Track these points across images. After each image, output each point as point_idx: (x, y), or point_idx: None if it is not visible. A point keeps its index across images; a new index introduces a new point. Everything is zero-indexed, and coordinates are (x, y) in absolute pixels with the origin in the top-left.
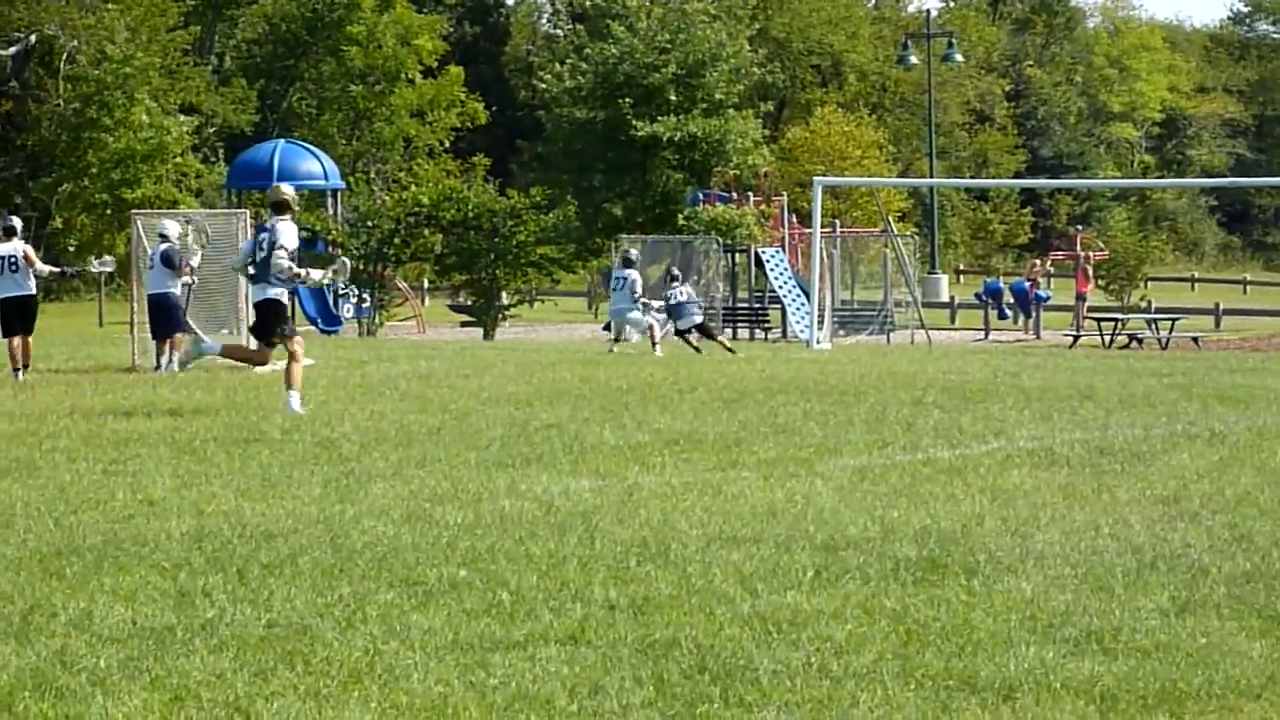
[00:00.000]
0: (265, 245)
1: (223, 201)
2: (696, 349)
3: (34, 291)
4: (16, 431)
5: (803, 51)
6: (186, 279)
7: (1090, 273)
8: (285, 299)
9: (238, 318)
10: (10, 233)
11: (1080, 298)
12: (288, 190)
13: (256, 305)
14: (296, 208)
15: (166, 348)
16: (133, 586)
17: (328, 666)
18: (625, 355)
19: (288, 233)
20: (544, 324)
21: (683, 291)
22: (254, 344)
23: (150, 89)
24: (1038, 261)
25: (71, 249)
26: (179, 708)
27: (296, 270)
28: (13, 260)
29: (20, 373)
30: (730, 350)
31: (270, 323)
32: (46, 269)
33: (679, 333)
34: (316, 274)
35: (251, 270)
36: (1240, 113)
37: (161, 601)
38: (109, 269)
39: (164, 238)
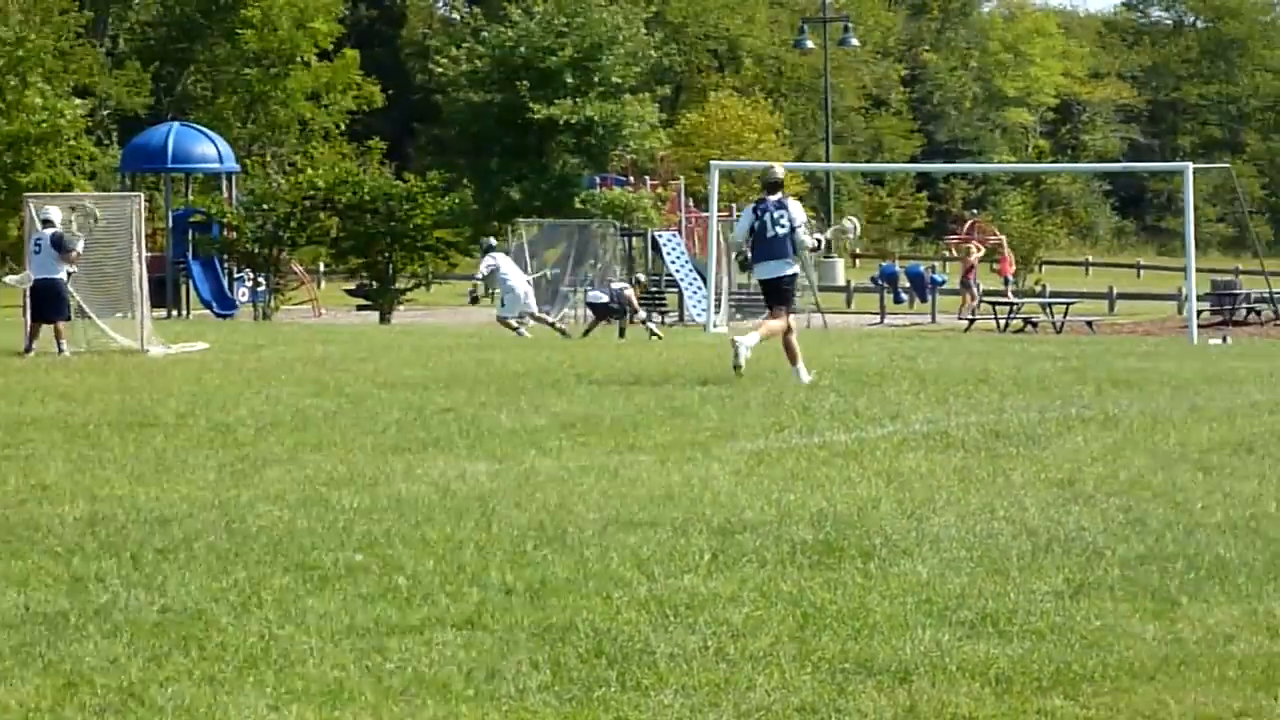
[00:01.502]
0: (774, 223)
1: (117, 185)
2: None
3: None
4: None
5: (699, 35)
6: (71, 266)
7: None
8: (799, 272)
9: (132, 301)
10: None
11: (1006, 280)
12: (781, 170)
13: (770, 281)
14: None
15: (56, 333)
16: (25, 572)
17: (223, 651)
18: (522, 340)
19: (798, 209)
20: (440, 308)
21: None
22: (777, 321)
23: (43, 71)
24: (971, 247)
25: None
26: (72, 694)
27: (813, 243)
28: None
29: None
30: (563, 333)
31: (788, 294)
32: None
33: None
34: (809, 239)
35: (748, 250)
36: (1134, 98)
37: (54, 587)
38: (26, 285)
39: (48, 223)
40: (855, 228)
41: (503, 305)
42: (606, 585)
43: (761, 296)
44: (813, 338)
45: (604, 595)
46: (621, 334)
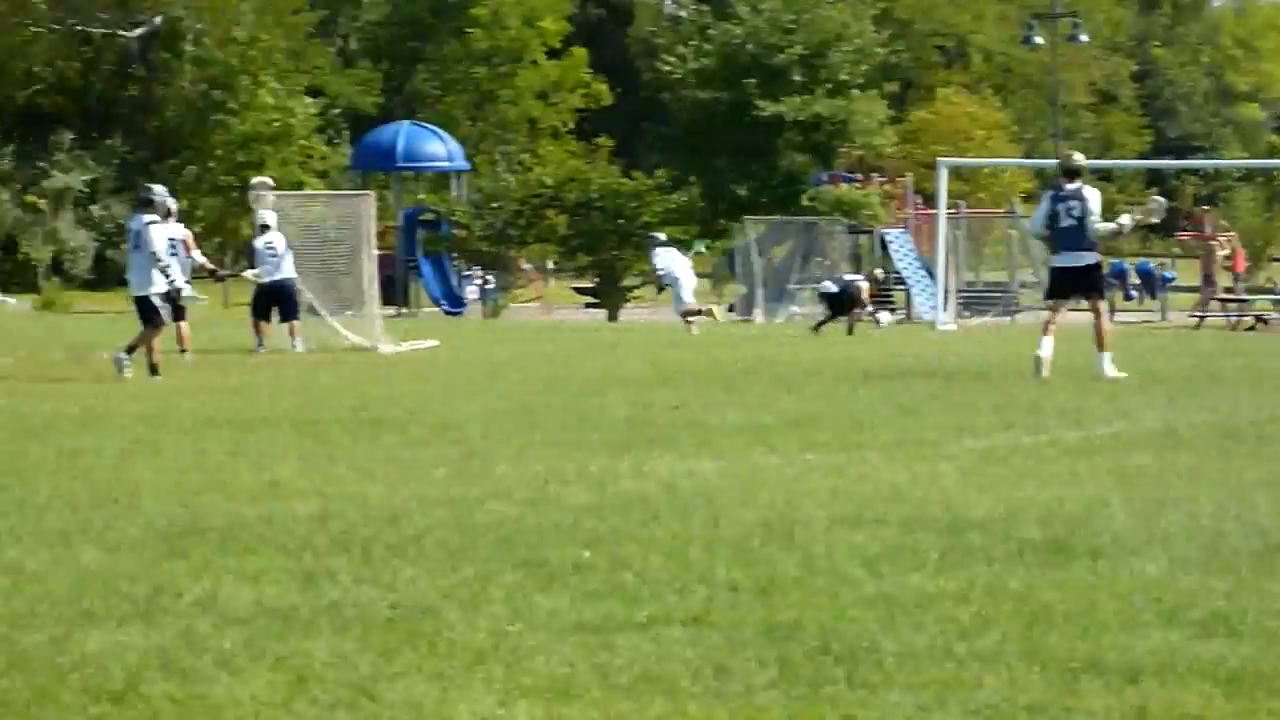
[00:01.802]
0: (1067, 212)
1: (347, 183)
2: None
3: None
4: (142, 412)
5: (927, 32)
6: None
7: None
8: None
9: (362, 299)
10: (145, 205)
11: (1236, 277)
12: (1080, 158)
13: (1072, 270)
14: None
15: (291, 331)
16: (257, 568)
17: (452, 648)
18: (751, 337)
19: (1094, 198)
20: (668, 305)
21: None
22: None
23: (275, 71)
24: (1216, 243)
25: (196, 232)
26: (303, 689)
27: (1114, 228)
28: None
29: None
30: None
31: (1096, 281)
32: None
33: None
34: (1102, 227)
35: (1047, 233)
36: None
37: (286, 583)
38: (264, 280)
39: (266, 228)
40: (1162, 206)
41: (679, 300)
42: (834, 583)
43: (989, 295)
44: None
45: (831, 593)
46: (850, 331)
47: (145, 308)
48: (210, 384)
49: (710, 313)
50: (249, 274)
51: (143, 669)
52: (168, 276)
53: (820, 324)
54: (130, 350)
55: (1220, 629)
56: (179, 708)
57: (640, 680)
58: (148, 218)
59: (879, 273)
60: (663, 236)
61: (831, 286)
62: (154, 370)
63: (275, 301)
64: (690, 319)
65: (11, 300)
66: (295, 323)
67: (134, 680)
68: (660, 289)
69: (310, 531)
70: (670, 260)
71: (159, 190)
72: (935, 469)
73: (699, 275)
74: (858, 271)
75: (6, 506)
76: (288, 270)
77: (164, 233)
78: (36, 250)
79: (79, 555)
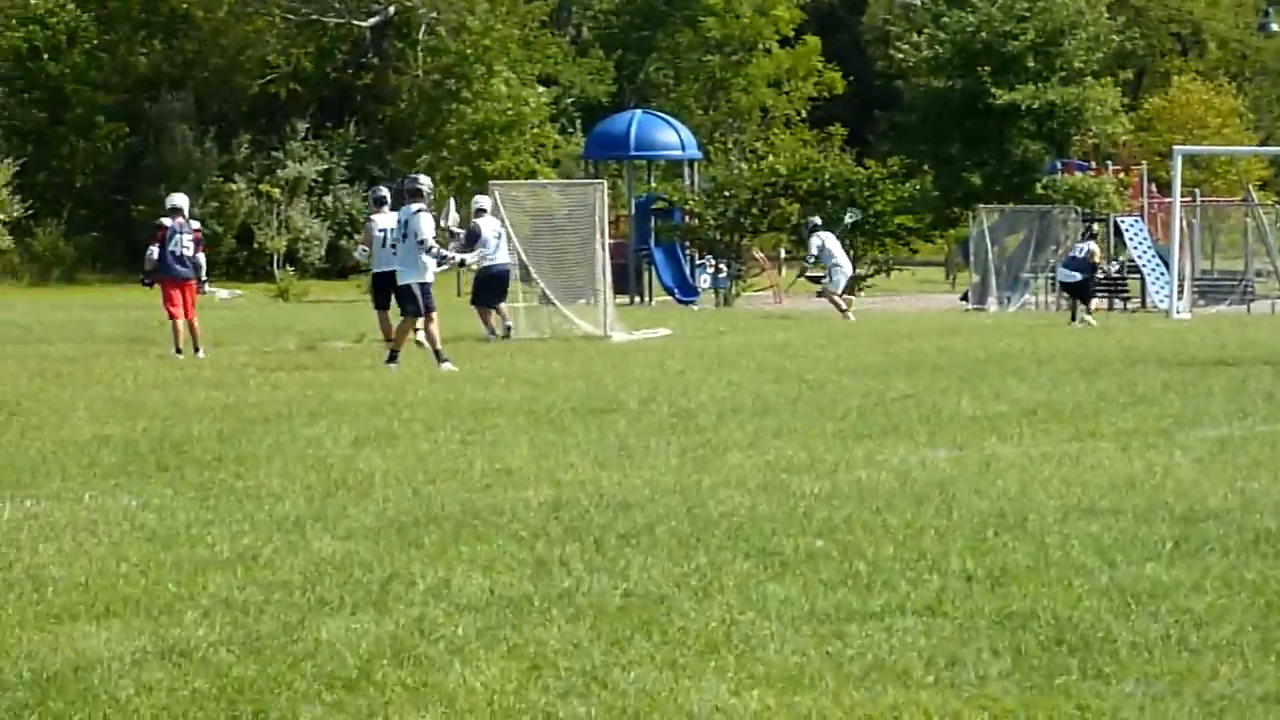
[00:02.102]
0: None
1: (580, 172)
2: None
3: None
4: (376, 401)
5: (1162, 19)
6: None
7: None
8: None
9: (595, 287)
10: (381, 203)
11: None
12: None
13: None
14: None
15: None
16: (490, 555)
17: (684, 636)
18: (983, 326)
19: None
20: (901, 294)
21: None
22: None
23: (508, 60)
24: None
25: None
26: (536, 676)
27: None
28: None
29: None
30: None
31: None
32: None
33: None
34: None
35: None
36: None
37: (519, 570)
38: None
39: (481, 211)
40: None
41: (830, 280)
42: (1067, 573)
43: (1223, 283)
44: (1279, 324)
45: (1065, 583)
46: (1073, 319)
47: (410, 295)
48: (440, 372)
49: (848, 308)
50: (470, 259)
51: (376, 656)
52: (442, 260)
53: (1072, 315)
54: (394, 352)
55: None
56: (412, 695)
57: (873, 669)
58: (416, 206)
59: (1095, 252)
60: (818, 220)
61: (1074, 275)
62: (393, 357)
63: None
64: (842, 307)
65: (223, 292)
66: (504, 307)
67: (367, 668)
68: (801, 275)
69: (543, 519)
70: (828, 244)
71: (423, 180)
72: (1169, 458)
73: (932, 264)
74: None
75: (241, 494)
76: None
77: (429, 221)
78: (271, 239)
79: (313, 543)
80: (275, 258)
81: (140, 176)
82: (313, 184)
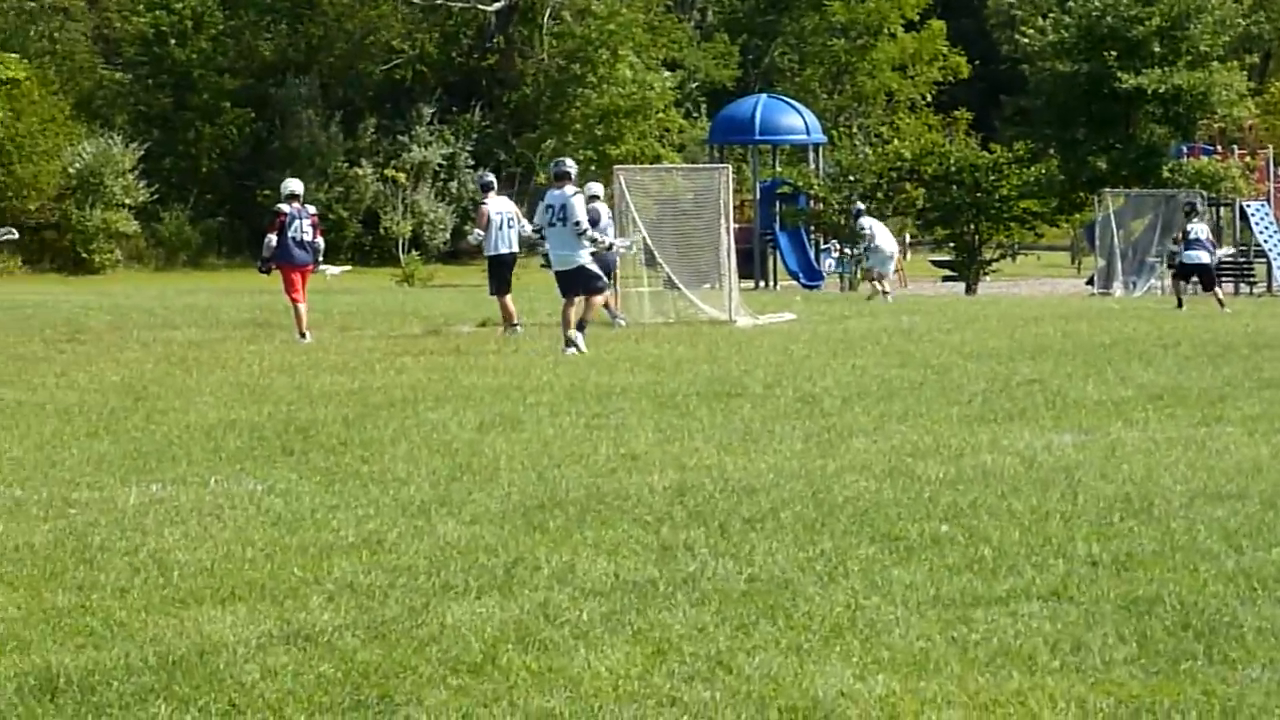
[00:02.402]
0: None
1: (705, 156)
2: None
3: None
4: (501, 386)
5: None
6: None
7: None
8: None
9: (719, 272)
10: (488, 189)
11: None
12: None
13: None
14: None
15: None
16: (615, 540)
17: (809, 621)
18: (1108, 310)
19: None
20: (1026, 278)
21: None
22: None
23: (634, 44)
24: None
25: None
26: (661, 660)
27: None
28: (510, 218)
29: (515, 327)
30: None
31: None
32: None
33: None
34: None
35: None
36: None
37: (643, 555)
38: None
39: (595, 197)
40: None
41: (867, 259)
42: (1193, 558)
43: None
44: None
45: (1191, 568)
46: (1180, 305)
47: (581, 278)
48: (565, 357)
49: (886, 290)
50: (620, 243)
51: (500, 641)
52: (597, 243)
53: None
54: (581, 328)
55: None
56: (536, 679)
57: (997, 655)
58: (571, 190)
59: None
60: (862, 205)
61: (1199, 257)
62: (581, 327)
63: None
64: (883, 289)
65: (332, 269)
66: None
67: (492, 652)
68: (863, 260)
69: (667, 504)
70: (875, 228)
71: (570, 163)
72: None
73: (1057, 248)
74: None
75: (366, 479)
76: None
77: (582, 203)
78: (396, 224)
79: (438, 527)
80: (400, 242)
81: (265, 161)
82: (437, 168)
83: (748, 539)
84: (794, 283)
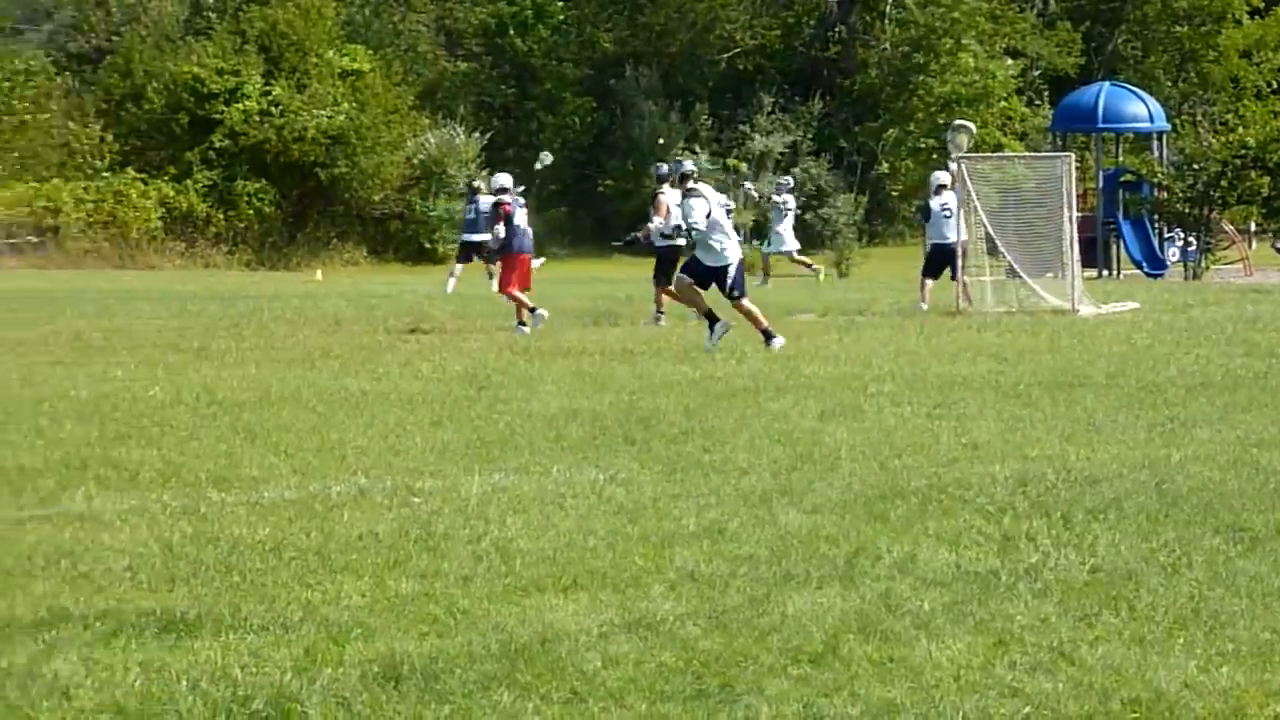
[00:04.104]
0: None
1: (1047, 145)
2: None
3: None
4: (841, 375)
5: None
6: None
7: None
8: None
9: (1062, 261)
10: (663, 180)
11: None
12: None
13: None
14: None
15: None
16: (956, 530)
17: (1152, 612)
18: None
19: None
20: None
21: None
22: None
23: (977, 33)
24: None
25: (895, 194)
26: (1003, 651)
27: None
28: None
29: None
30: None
31: None
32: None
33: None
34: None
35: None
36: None
37: (985, 545)
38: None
39: (942, 188)
40: None
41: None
42: None
43: None
44: None
45: None
46: None
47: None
48: (905, 346)
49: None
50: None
51: (842, 631)
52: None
53: None
54: (712, 319)
55: None
56: (878, 669)
57: None
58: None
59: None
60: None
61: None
62: (711, 317)
63: (945, 261)
64: None
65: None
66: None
67: (833, 642)
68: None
69: (1009, 494)
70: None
71: (689, 164)
72: None
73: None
74: None
75: (708, 468)
76: (955, 232)
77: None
78: (739, 214)
79: (779, 517)
80: (742, 232)
81: (606, 151)
82: (779, 157)
83: (1090, 529)
84: (1137, 271)
